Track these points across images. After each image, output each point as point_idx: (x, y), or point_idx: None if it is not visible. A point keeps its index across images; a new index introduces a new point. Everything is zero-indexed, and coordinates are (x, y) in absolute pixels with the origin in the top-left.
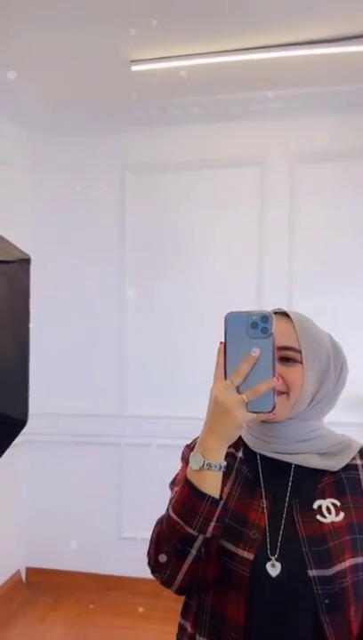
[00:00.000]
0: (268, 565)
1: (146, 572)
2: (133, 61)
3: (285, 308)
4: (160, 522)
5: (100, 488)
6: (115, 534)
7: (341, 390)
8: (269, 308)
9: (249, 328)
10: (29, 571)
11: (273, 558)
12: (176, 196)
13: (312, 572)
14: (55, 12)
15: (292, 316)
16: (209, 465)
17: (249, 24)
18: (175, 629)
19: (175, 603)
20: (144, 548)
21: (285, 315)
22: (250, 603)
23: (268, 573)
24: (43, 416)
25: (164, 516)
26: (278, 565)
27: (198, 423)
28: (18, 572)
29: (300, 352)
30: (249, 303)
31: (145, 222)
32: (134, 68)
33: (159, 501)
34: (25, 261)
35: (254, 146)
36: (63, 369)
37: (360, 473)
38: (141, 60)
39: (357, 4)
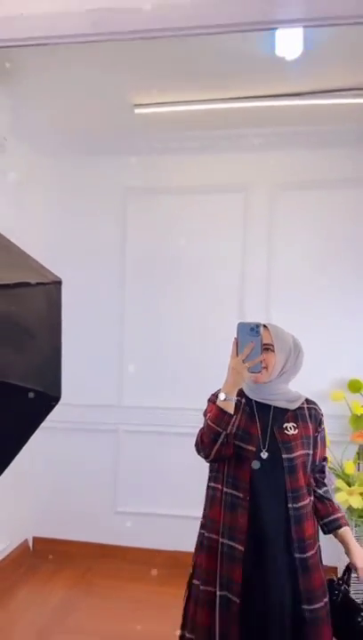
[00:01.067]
0: (261, 453)
1: (135, 541)
2: (136, 105)
3: (266, 323)
4: (201, 429)
5: (98, 469)
6: (110, 509)
7: (299, 367)
8: (248, 310)
9: (249, 331)
10: (36, 540)
11: (264, 450)
12: (170, 215)
13: (284, 455)
14: (69, 58)
15: (269, 328)
16: (228, 398)
17: (234, 78)
18: (160, 589)
19: (161, 569)
20: (136, 520)
21: (265, 327)
22: (252, 472)
23: (261, 457)
24: None
25: (203, 426)
26: (266, 453)
27: (189, 413)
28: (26, 541)
29: (272, 345)
30: (232, 309)
31: (143, 235)
32: (137, 110)
33: (150, 481)
34: (58, 283)
35: (238, 175)
36: (69, 365)
37: (305, 411)
38: (143, 105)
39: (324, 62)
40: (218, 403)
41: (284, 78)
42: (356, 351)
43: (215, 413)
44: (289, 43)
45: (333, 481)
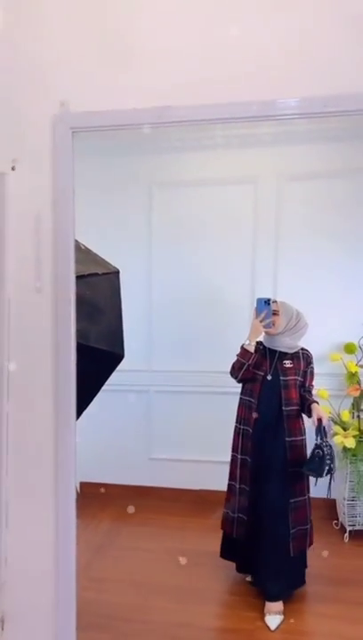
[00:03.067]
0: (268, 376)
1: (167, 482)
2: None
3: (276, 299)
4: (234, 363)
5: (135, 423)
6: (146, 456)
7: (299, 328)
8: (258, 287)
9: (264, 303)
10: (83, 484)
11: (270, 374)
12: (190, 205)
13: (281, 378)
14: None
15: (278, 301)
16: (251, 343)
17: None
18: (188, 519)
19: (189, 504)
20: (168, 465)
21: (275, 301)
22: (261, 387)
23: (267, 379)
24: None
25: (234, 361)
26: (270, 376)
27: (209, 375)
28: (75, 486)
29: (278, 311)
30: (246, 285)
31: (167, 223)
32: None
33: (178, 433)
34: (117, 272)
35: (248, 168)
36: None
37: (300, 354)
38: None
39: None
40: (244, 346)
41: None
42: (350, 319)
43: (242, 352)
44: None
45: (331, 426)
